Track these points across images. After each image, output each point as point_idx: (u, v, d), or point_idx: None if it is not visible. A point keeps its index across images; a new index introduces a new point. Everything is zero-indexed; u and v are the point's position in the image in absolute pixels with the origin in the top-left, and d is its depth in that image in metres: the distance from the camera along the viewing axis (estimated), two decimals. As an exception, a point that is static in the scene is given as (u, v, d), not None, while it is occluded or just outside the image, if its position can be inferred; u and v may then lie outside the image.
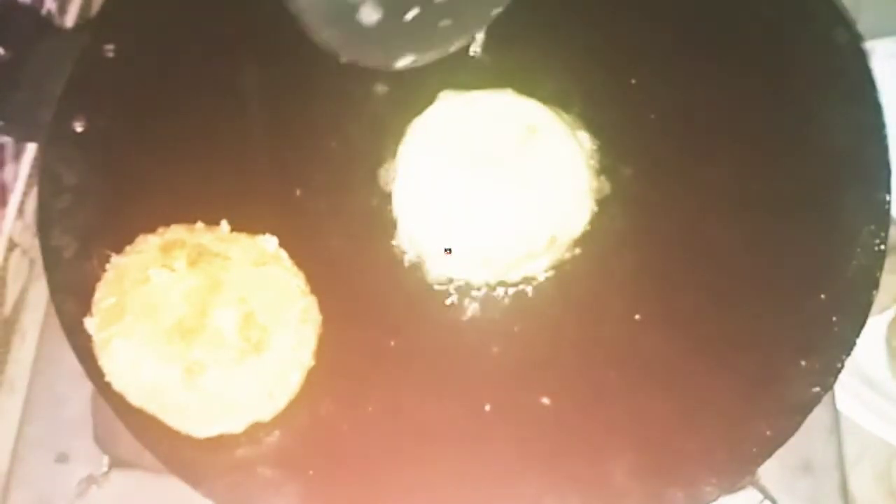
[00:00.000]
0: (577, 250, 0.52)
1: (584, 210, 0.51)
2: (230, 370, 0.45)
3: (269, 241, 0.49)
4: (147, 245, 0.48)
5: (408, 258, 0.52)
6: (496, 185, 0.50)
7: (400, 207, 0.52)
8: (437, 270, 0.51)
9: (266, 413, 0.47)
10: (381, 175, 0.53)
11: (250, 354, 0.45)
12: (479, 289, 0.51)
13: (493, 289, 0.51)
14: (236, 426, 0.47)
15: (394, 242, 0.52)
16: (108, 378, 0.46)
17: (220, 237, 0.49)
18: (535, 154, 0.50)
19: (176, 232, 0.49)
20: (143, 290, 0.46)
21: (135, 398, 0.46)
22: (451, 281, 0.51)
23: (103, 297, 0.47)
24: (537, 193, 0.50)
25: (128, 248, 0.49)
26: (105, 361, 0.46)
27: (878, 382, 0.58)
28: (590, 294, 0.51)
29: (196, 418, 0.47)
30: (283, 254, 0.49)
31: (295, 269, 0.49)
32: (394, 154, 0.52)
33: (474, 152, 0.51)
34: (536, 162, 0.50)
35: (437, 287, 0.51)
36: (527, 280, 0.51)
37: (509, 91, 0.52)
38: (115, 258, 0.48)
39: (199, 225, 0.49)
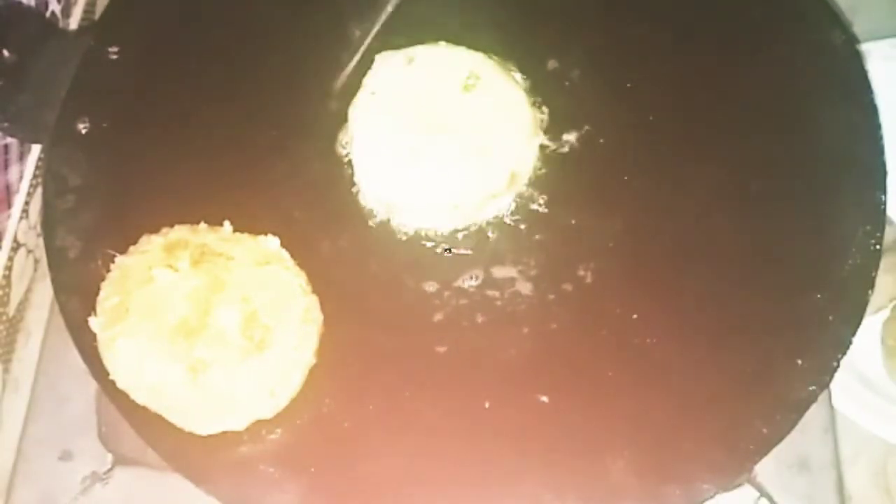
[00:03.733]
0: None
1: (534, 144, 0.54)
2: (233, 369, 0.46)
3: (272, 241, 0.49)
4: (151, 245, 0.49)
5: (377, 218, 0.53)
6: (451, 132, 0.52)
7: (361, 169, 0.53)
8: (407, 224, 0.53)
9: (268, 411, 0.48)
10: (338, 144, 0.55)
11: (253, 353, 0.46)
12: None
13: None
14: (239, 424, 0.47)
15: (360, 202, 0.54)
16: (112, 377, 0.47)
17: (222, 237, 0.49)
18: (480, 97, 0.53)
19: (179, 232, 0.49)
20: (147, 289, 0.47)
21: (138, 396, 0.47)
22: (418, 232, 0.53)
23: (107, 296, 0.47)
24: (491, 134, 0.52)
25: (131, 248, 0.49)
26: (109, 360, 0.47)
27: (874, 381, 0.58)
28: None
29: (199, 416, 0.47)
30: (285, 254, 0.49)
31: (297, 268, 0.49)
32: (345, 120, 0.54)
33: (424, 104, 0.53)
34: (484, 104, 0.53)
35: (439, 282, 0.52)
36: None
37: (443, 44, 0.55)
38: (118, 258, 0.49)
39: (203, 225, 0.50)
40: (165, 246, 0.48)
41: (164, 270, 0.47)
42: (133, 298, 0.47)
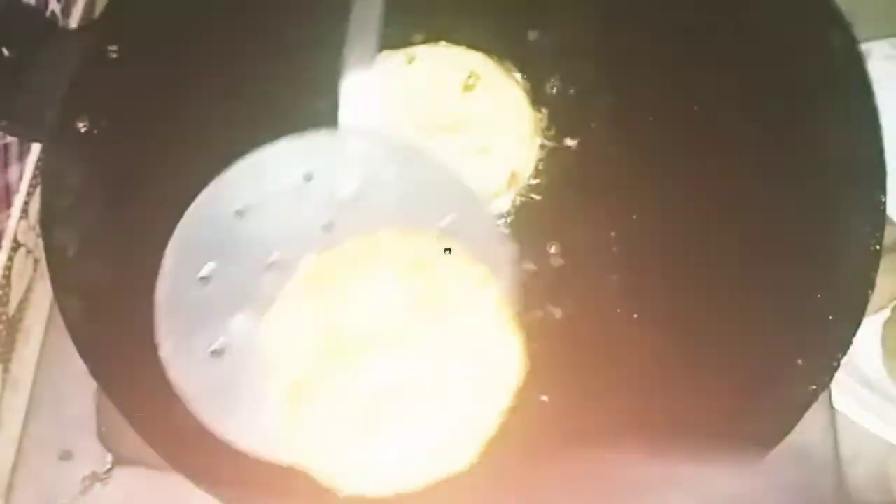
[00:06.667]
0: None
1: (534, 144, 0.54)
2: None
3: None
4: None
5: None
6: (451, 132, 0.52)
7: None
8: None
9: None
10: None
11: None
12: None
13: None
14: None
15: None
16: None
17: None
18: (480, 97, 0.53)
19: None
20: None
21: None
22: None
23: None
24: (491, 134, 0.53)
25: None
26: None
27: (874, 381, 0.58)
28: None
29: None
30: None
31: None
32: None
33: (424, 104, 0.53)
34: (484, 104, 0.53)
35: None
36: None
37: (443, 44, 0.55)
38: None
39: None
40: None
41: None
42: None
